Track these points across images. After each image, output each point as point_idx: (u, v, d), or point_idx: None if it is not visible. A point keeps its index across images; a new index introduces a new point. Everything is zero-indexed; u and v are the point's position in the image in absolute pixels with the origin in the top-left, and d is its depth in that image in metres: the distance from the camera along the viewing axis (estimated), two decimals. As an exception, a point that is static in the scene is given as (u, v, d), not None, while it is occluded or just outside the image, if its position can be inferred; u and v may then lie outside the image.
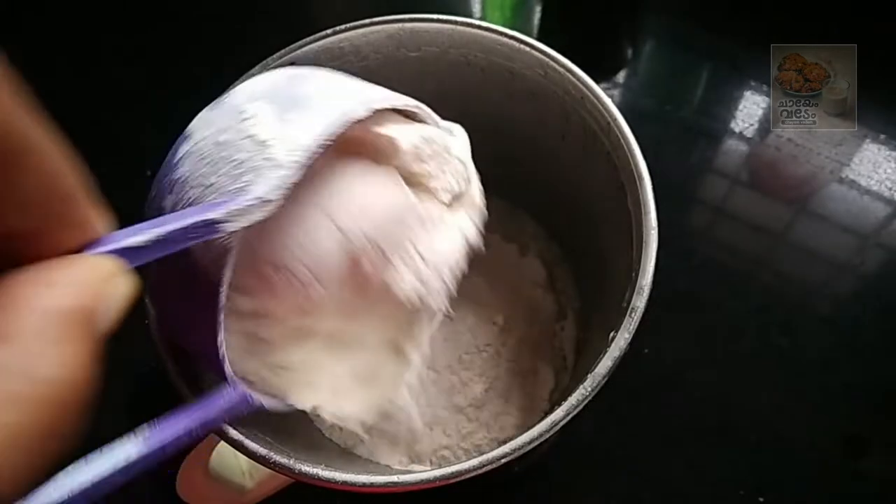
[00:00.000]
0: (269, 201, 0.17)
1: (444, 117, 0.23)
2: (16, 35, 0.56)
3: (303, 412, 0.21)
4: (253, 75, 0.30)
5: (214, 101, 0.20)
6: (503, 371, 0.36)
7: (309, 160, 0.17)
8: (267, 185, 0.17)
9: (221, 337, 0.18)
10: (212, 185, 0.18)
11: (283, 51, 0.31)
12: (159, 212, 0.19)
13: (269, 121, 0.18)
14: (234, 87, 0.21)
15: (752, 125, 0.48)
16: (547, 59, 0.30)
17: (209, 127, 0.19)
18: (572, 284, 0.38)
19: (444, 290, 0.21)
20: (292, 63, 0.31)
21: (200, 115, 0.20)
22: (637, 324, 0.24)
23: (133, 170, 0.44)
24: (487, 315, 0.37)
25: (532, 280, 0.38)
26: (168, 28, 0.56)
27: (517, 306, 0.37)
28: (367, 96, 0.20)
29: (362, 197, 0.20)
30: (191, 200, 0.18)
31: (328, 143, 0.18)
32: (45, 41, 0.55)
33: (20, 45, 0.55)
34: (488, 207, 0.23)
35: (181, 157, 0.19)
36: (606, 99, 0.28)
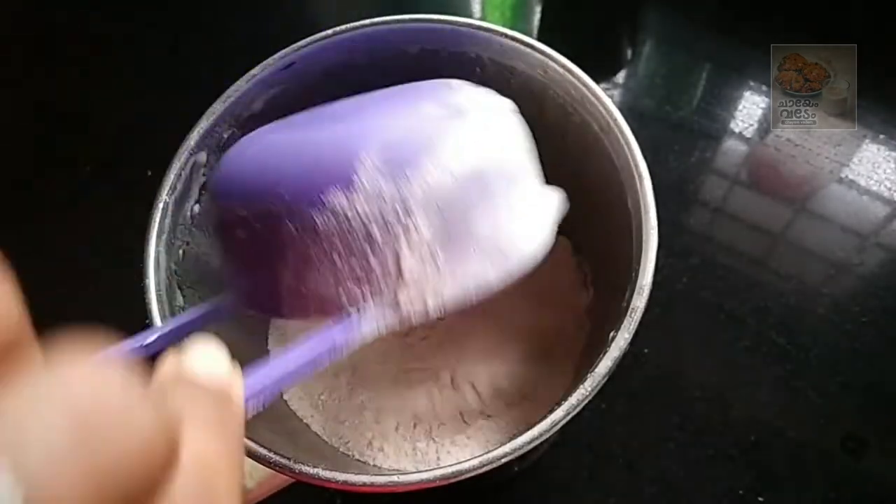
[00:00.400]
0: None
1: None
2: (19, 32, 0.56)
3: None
4: (254, 76, 0.30)
5: (405, 142, 0.18)
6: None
7: (418, 322, 0.18)
8: (372, 325, 0.18)
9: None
10: (334, 260, 0.17)
11: (283, 51, 0.31)
12: (274, 200, 0.18)
13: (420, 244, 0.17)
14: (439, 138, 0.18)
15: (751, 125, 0.48)
16: (547, 59, 0.30)
17: (372, 198, 0.17)
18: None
19: None
20: (292, 63, 0.31)
21: (378, 153, 0.17)
22: (637, 324, 0.24)
23: (131, 169, 0.44)
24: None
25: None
26: (166, 27, 0.56)
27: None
28: (519, 256, 0.19)
29: None
30: (312, 259, 0.18)
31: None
32: (45, 37, 0.55)
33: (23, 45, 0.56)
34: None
35: (339, 199, 0.17)
36: (606, 99, 0.28)
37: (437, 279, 0.18)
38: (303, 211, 0.17)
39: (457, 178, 0.18)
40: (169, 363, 0.13)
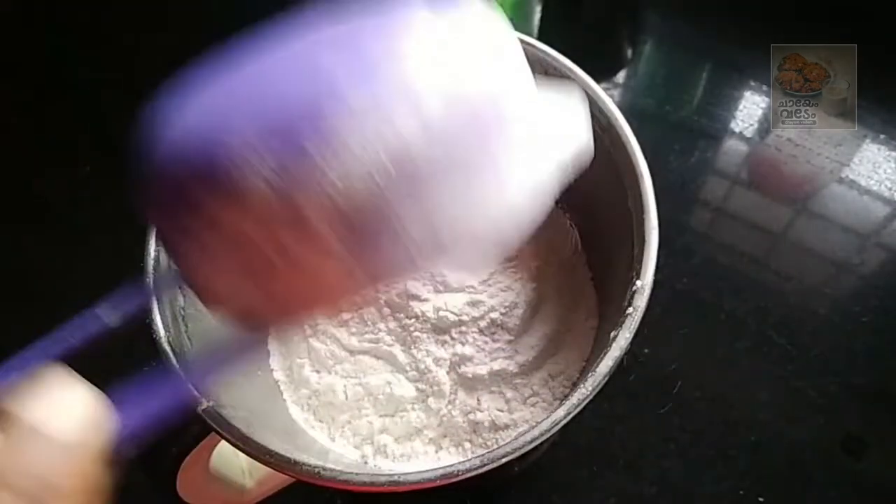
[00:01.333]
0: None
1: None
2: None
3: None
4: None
5: None
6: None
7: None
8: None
9: None
10: (235, 274, 0.15)
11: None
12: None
13: (330, 255, 0.14)
14: None
15: (752, 125, 0.48)
16: (547, 59, 0.30)
17: (260, 212, 0.14)
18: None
19: None
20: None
21: None
22: (637, 324, 0.24)
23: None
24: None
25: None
26: (167, 27, 0.55)
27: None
28: (477, 248, 0.16)
29: None
30: (214, 264, 0.15)
31: None
32: (50, 36, 0.55)
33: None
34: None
35: (220, 212, 0.14)
36: (606, 99, 0.28)
37: (356, 285, 0.15)
38: (194, 219, 0.14)
39: (368, 168, 0.13)
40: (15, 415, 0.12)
